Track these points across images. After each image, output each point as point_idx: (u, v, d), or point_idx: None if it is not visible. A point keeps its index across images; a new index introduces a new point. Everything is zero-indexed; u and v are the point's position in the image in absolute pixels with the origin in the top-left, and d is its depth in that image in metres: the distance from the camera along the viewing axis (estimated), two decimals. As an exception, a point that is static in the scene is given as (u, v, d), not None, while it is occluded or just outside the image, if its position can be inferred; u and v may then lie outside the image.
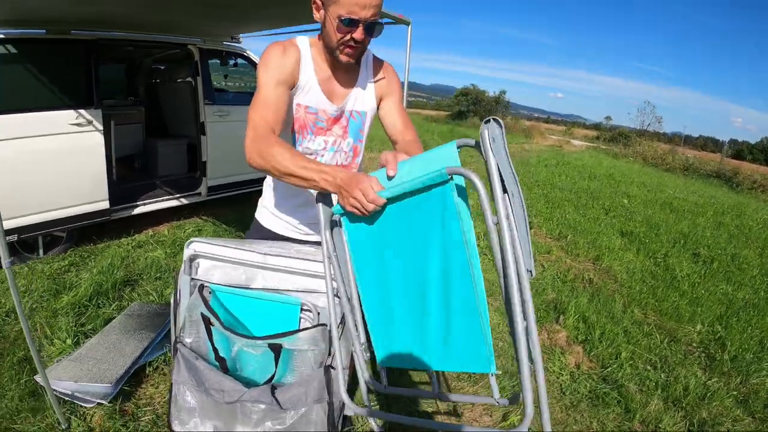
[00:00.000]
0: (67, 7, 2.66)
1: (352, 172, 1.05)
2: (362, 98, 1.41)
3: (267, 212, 1.60)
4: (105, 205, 3.53)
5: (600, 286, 3.71)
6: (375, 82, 1.42)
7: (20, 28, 3.02)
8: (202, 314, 1.47)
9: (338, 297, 1.43)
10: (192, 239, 1.60)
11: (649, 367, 2.63)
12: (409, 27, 3.18)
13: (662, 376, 2.55)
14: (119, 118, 4.45)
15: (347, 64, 1.28)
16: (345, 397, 1.37)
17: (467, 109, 29.00)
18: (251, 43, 4.91)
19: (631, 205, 6.91)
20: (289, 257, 1.48)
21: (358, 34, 1.20)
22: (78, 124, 3.22)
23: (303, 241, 1.57)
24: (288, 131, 1.38)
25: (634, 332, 2.99)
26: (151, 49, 4.72)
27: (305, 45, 1.34)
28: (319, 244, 1.54)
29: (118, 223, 3.83)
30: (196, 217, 4.43)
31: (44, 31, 3.08)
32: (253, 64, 4.76)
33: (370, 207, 0.95)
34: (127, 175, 4.64)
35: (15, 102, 2.96)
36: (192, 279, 1.57)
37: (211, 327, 1.47)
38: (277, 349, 1.41)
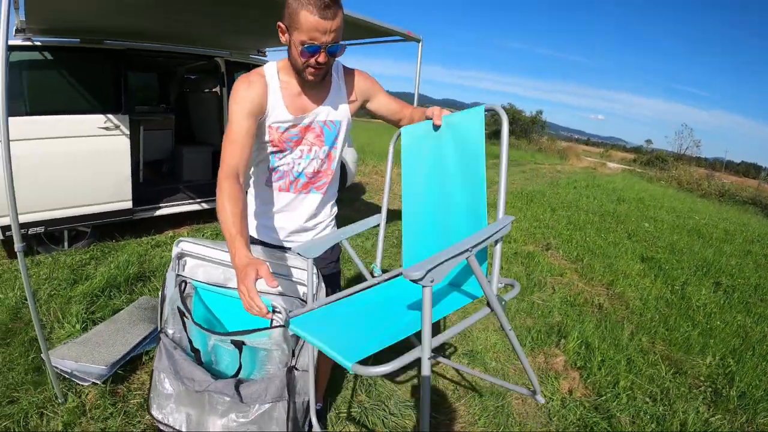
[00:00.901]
0: (100, 19, 2.89)
1: (248, 259, 1.12)
2: (336, 108, 1.48)
3: (259, 222, 1.69)
4: (128, 205, 3.74)
5: (609, 311, 3.61)
6: (349, 91, 1.50)
7: (56, 37, 3.29)
8: (178, 308, 1.56)
9: (305, 302, 1.50)
10: (181, 239, 1.71)
11: (647, 399, 2.51)
12: (420, 44, 3.26)
13: (660, 410, 2.44)
14: (149, 124, 4.72)
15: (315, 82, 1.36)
16: (311, 394, 1.42)
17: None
18: (277, 56, 5.11)
19: (656, 230, 6.67)
20: (264, 261, 1.56)
21: (321, 57, 1.27)
22: (106, 128, 3.46)
23: (277, 246, 1.63)
24: (264, 152, 1.48)
25: (638, 361, 2.88)
26: (180, 60, 4.98)
27: (272, 71, 1.42)
28: (281, 248, 1.61)
29: (140, 222, 4.05)
30: (215, 221, 4.61)
31: (78, 40, 3.35)
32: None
33: (247, 306, 1.09)
34: (154, 178, 4.89)
35: (49, 105, 3.23)
36: (177, 275, 1.66)
37: (185, 320, 1.55)
38: (239, 345, 1.47)
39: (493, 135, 27.64)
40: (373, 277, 1.60)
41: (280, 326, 1.44)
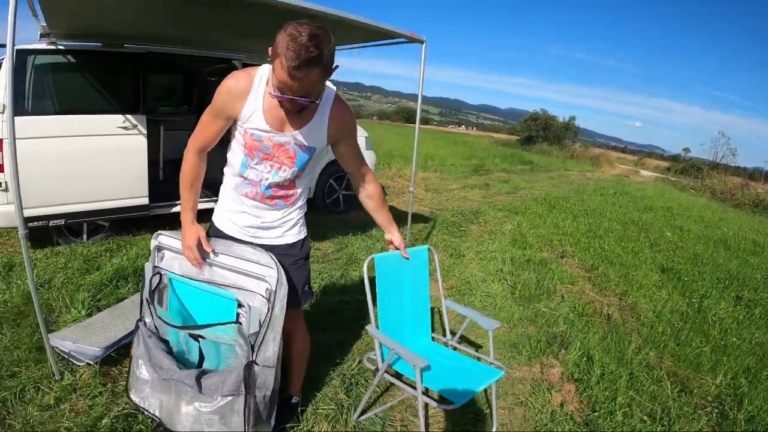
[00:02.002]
0: (120, 25, 3.05)
1: (192, 224, 1.62)
2: (314, 135, 1.51)
3: (219, 215, 1.75)
4: (144, 201, 3.91)
5: (618, 323, 3.47)
6: (330, 124, 1.52)
7: (79, 41, 3.48)
8: (146, 299, 1.63)
9: (267, 300, 1.53)
10: (159, 232, 1.79)
11: (645, 418, 2.38)
12: (423, 45, 3.26)
13: (657, 430, 2.31)
14: (169, 124, 4.90)
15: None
16: (269, 390, 1.46)
17: (536, 134, 28.20)
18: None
19: (681, 240, 6.38)
20: (230, 256, 1.61)
21: (288, 104, 1.34)
22: (124, 128, 3.63)
23: (246, 242, 1.68)
24: (237, 155, 1.57)
25: (642, 377, 2.74)
26: (200, 63, 5.15)
27: (264, 74, 1.45)
28: (260, 245, 1.65)
29: (157, 218, 4.20)
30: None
31: (100, 44, 3.53)
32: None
33: (190, 257, 1.59)
34: (174, 176, 5.07)
35: (71, 105, 3.42)
36: (155, 266, 1.73)
37: (151, 310, 1.62)
38: (195, 338, 1.52)
39: (526, 141, 27.13)
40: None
41: (233, 323, 1.48)
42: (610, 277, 4.40)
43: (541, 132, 28.22)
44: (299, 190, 1.66)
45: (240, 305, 1.56)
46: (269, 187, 1.58)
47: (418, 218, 6.02)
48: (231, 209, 1.68)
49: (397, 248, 1.98)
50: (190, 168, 1.61)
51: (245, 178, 1.58)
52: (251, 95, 1.44)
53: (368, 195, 1.84)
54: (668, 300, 3.99)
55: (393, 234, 1.94)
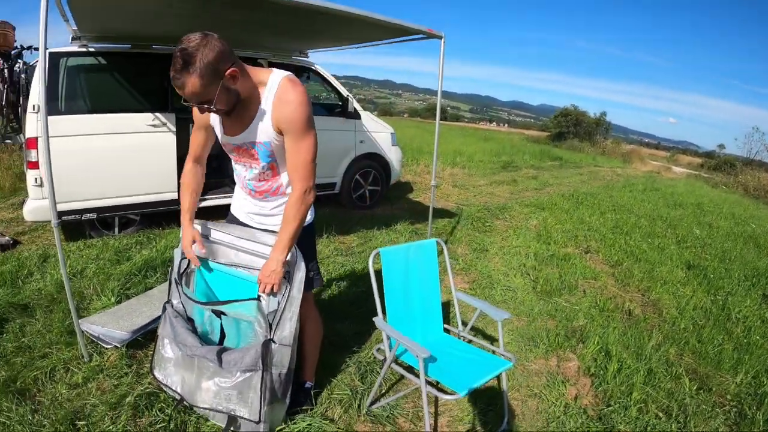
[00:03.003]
0: (148, 27, 3.19)
1: (187, 227, 1.79)
2: (261, 130, 1.58)
3: (233, 203, 1.91)
4: (174, 196, 4.07)
5: (639, 319, 3.42)
6: (273, 117, 1.54)
7: (109, 43, 3.66)
8: (174, 279, 1.74)
9: (286, 281, 1.62)
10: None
11: (660, 414, 2.36)
12: (442, 41, 3.28)
13: (673, 426, 2.27)
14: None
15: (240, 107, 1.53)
16: (285, 368, 1.53)
17: (567, 130, 27.59)
18: (319, 57, 5.32)
19: (710, 236, 6.18)
20: (252, 241, 1.71)
21: (194, 110, 1.51)
22: (154, 125, 3.79)
23: (256, 228, 1.80)
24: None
25: (660, 373, 2.69)
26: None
27: None
28: (268, 231, 1.76)
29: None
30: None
31: (129, 45, 3.70)
32: (320, 77, 5.14)
33: (188, 256, 1.78)
34: (202, 172, 5.25)
35: (103, 104, 3.60)
36: (182, 253, 1.85)
37: (179, 291, 1.73)
38: (218, 314, 1.62)
39: (557, 137, 26.59)
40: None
41: (253, 299, 1.56)
42: (634, 273, 4.33)
43: (572, 128, 27.60)
44: (284, 181, 1.70)
45: (259, 299, 1.65)
46: (251, 182, 1.71)
47: (443, 213, 6.05)
48: (239, 197, 1.85)
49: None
50: (185, 175, 1.86)
51: (236, 175, 1.78)
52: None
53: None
54: (692, 297, 3.89)
55: (268, 261, 1.60)
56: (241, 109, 1.53)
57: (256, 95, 1.53)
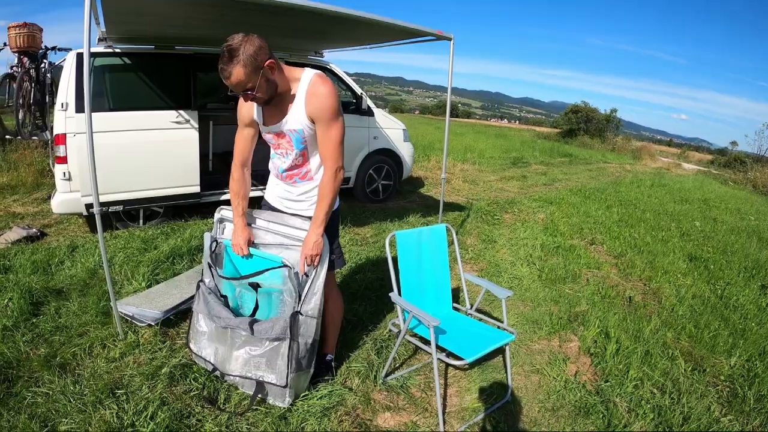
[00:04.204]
0: (171, 29, 3.39)
1: (242, 229, 1.94)
2: (295, 119, 1.80)
3: (267, 188, 2.11)
4: (196, 189, 4.29)
5: (639, 305, 3.57)
6: (306, 108, 1.77)
7: (134, 44, 3.87)
8: (208, 262, 1.94)
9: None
10: (221, 207, 2.12)
11: (654, 390, 2.50)
12: (452, 42, 3.45)
13: (666, 402, 2.41)
14: (218, 119, 5.28)
15: (275, 99, 1.75)
16: (311, 338, 1.72)
17: (577, 127, 27.46)
18: (335, 55, 5.51)
19: (713, 230, 6.28)
20: (282, 224, 1.91)
21: (240, 109, 1.79)
22: (177, 122, 4.00)
23: (285, 212, 2.01)
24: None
25: (656, 354, 2.84)
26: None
27: None
28: (296, 215, 1.98)
29: (208, 206, 4.56)
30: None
31: (153, 46, 3.91)
32: (336, 76, 5.32)
33: (238, 253, 1.94)
34: (223, 167, 5.45)
35: (129, 102, 3.81)
36: (211, 236, 2.05)
37: (212, 271, 1.93)
38: (254, 286, 1.81)
39: (567, 134, 26.45)
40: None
41: (282, 266, 1.76)
42: (637, 263, 4.46)
43: (582, 125, 27.46)
44: (314, 167, 1.92)
45: (285, 264, 1.84)
46: (284, 170, 1.92)
47: (454, 207, 6.23)
48: (272, 183, 2.06)
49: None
50: (234, 182, 2.02)
51: (273, 165, 1.99)
52: (256, 105, 1.85)
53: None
54: (692, 286, 4.03)
55: (308, 235, 1.83)
56: (278, 101, 1.77)
57: (291, 89, 1.77)
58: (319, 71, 1.79)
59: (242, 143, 1.98)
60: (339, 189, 1.85)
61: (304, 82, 1.76)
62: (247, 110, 1.88)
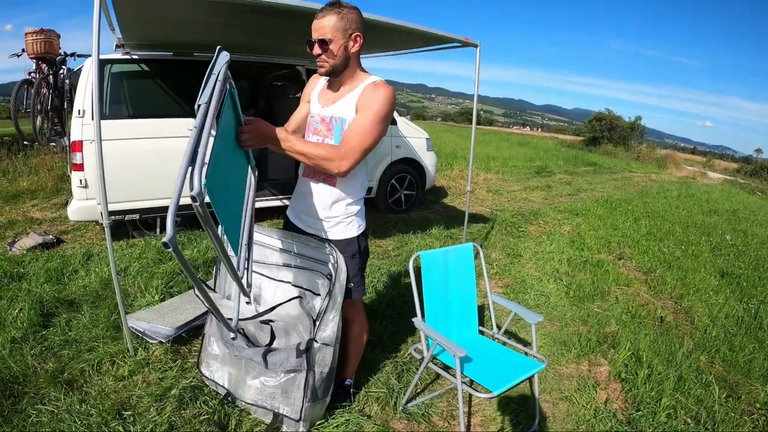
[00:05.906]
0: (189, 35, 3.34)
1: (270, 129, 1.65)
2: (345, 107, 1.73)
3: (290, 205, 2.00)
4: (214, 199, 4.21)
5: (671, 326, 3.39)
6: (358, 98, 1.71)
7: (152, 51, 3.83)
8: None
9: (328, 281, 1.70)
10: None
11: (689, 420, 2.36)
12: (478, 48, 3.33)
13: None
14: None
15: (334, 78, 1.76)
16: (327, 367, 1.61)
17: (601, 135, 26.99)
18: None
19: (744, 244, 6.02)
20: (299, 243, 1.81)
21: (314, 50, 1.66)
22: (195, 130, 3.94)
23: (303, 231, 1.87)
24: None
25: (689, 380, 2.68)
26: (265, 69, 5.43)
27: None
28: (313, 236, 1.84)
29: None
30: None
31: (171, 53, 3.86)
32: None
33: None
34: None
35: (146, 109, 3.77)
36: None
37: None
38: (265, 323, 1.71)
39: (590, 142, 26.04)
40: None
41: (294, 298, 1.65)
42: (667, 280, 4.27)
43: (606, 133, 26.97)
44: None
45: (300, 297, 1.74)
46: None
47: (478, 218, 6.09)
48: (297, 192, 1.92)
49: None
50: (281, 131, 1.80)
51: None
52: (319, 84, 1.86)
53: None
54: (725, 305, 3.83)
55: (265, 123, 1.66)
56: (337, 86, 1.78)
57: (354, 81, 1.76)
58: (383, 79, 1.78)
59: (298, 115, 1.95)
60: (322, 160, 1.63)
61: (369, 80, 1.74)
62: (311, 87, 1.92)
